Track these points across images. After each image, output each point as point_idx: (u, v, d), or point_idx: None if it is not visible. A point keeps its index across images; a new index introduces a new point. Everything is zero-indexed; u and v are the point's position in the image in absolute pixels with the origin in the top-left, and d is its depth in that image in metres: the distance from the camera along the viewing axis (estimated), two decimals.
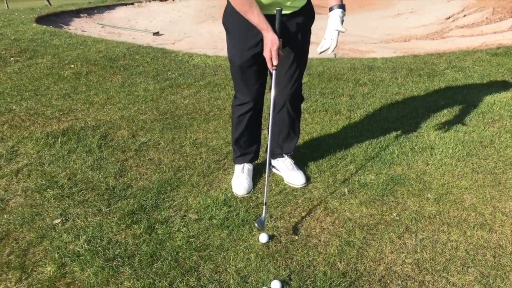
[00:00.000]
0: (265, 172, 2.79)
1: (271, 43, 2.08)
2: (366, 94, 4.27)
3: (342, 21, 2.15)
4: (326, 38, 2.16)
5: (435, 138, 3.19)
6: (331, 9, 2.17)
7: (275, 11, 2.15)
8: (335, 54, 7.83)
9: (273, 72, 2.20)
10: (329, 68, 5.22)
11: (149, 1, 17.66)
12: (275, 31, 2.11)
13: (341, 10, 2.15)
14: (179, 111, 3.90)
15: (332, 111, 3.81)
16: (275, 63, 2.13)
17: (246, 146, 2.68)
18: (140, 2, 17.19)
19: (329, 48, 2.16)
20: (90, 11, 13.76)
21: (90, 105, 4.05)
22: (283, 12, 2.17)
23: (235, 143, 2.69)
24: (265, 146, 2.89)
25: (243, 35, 2.23)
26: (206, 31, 12.52)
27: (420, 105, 3.89)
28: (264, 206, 2.25)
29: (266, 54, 2.13)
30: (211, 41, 10.11)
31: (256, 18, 2.07)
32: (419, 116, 3.63)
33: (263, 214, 2.23)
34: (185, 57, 6.06)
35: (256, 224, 2.18)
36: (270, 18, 2.13)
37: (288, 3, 2.17)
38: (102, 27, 12.11)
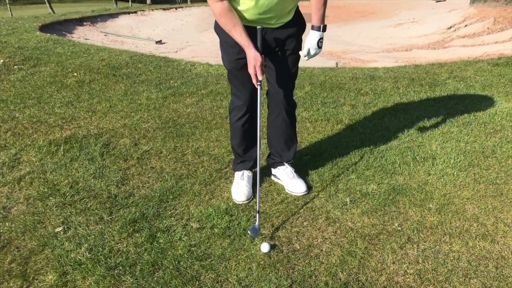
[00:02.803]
0: (264, 181, 2.80)
1: (254, 60, 2.16)
2: (367, 103, 4.28)
3: (320, 41, 2.30)
4: (308, 56, 2.35)
5: (436, 148, 3.19)
6: (312, 27, 2.31)
7: (260, 25, 2.25)
8: (336, 63, 7.86)
9: (258, 88, 2.27)
10: (331, 78, 5.24)
11: (152, 10, 17.81)
12: (257, 48, 2.20)
13: (318, 32, 2.28)
14: (181, 119, 3.91)
15: (333, 120, 3.82)
16: (259, 78, 2.21)
17: (245, 153, 2.70)
18: (143, 10, 17.33)
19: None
20: (93, 19, 13.87)
21: (93, 113, 4.07)
22: (270, 26, 2.27)
23: (234, 150, 2.74)
24: (266, 155, 2.91)
25: (231, 42, 2.27)
26: (209, 40, 12.60)
27: (421, 115, 3.90)
28: (257, 214, 2.28)
29: (250, 70, 2.21)
30: (213, 50, 10.17)
31: (239, 37, 2.16)
32: (421, 126, 3.63)
33: (257, 222, 2.25)
34: (188, 65, 6.10)
35: (249, 232, 2.19)
36: (254, 31, 2.24)
37: (273, 21, 2.25)
38: (105, 35, 12.19)
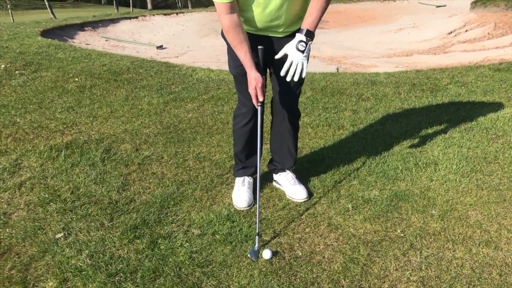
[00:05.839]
0: (266, 187, 2.79)
1: (255, 81, 2.14)
2: (369, 109, 4.27)
3: (300, 44, 2.09)
4: (287, 61, 2.14)
5: (438, 153, 3.18)
6: (298, 30, 2.16)
7: (268, 33, 2.24)
8: (337, 69, 7.86)
9: (259, 109, 2.25)
10: (332, 83, 5.23)
11: (153, 15, 17.87)
12: (259, 69, 2.17)
13: (300, 35, 2.11)
14: (182, 125, 3.91)
15: (335, 125, 3.82)
16: (260, 99, 2.19)
17: (246, 159, 2.69)
18: (144, 15, 17.38)
19: (294, 74, 2.14)
20: (94, 24, 13.92)
21: (94, 118, 4.06)
22: (278, 35, 2.26)
23: (236, 156, 2.72)
24: (268, 160, 2.90)
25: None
26: (210, 45, 12.63)
27: (423, 120, 3.89)
28: (256, 236, 2.19)
29: (251, 91, 2.19)
30: (214, 55, 10.19)
31: (243, 55, 2.13)
32: (423, 131, 3.62)
33: (256, 244, 2.17)
34: (189, 71, 6.10)
35: (248, 255, 2.12)
36: (262, 39, 2.24)
37: (281, 30, 2.24)
38: (106, 40, 12.22)
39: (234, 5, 2.04)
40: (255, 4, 2.09)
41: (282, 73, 2.15)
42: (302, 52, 2.10)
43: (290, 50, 2.12)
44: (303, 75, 2.15)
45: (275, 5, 2.09)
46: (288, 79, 2.16)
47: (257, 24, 2.18)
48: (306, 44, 2.11)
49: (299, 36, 2.11)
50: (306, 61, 2.13)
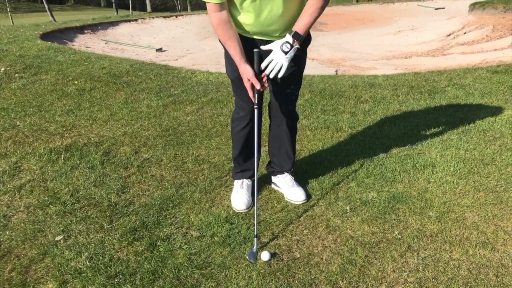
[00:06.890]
0: (264, 189, 2.81)
1: (246, 74, 2.16)
2: (367, 111, 4.29)
3: (285, 45, 2.09)
4: (269, 57, 2.16)
5: (436, 155, 3.19)
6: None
7: (264, 37, 2.25)
8: (336, 71, 7.88)
9: (256, 112, 2.27)
10: (331, 85, 5.26)
11: (153, 18, 17.91)
12: (252, 67, 2.18)
13: (289, 36, 2.11)
14: (181, 127, 3.92)
15: (333, 128, 3.83)
16: (257, 87, 2.18)
17: (245, 162, 2.71)
18: (144, 18, 17.42)
19: (271, 71, 2.15)
20: (94, 27, 13.95)
21: (93, 121, 4.08)
22: (274, 39, 2.24)
23: (235, 159, 2.74)
24: (266, 162, 2.91)
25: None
26: (209, 48, 12.66)
27: (421, 122, 3.91)
28: (255, 238, 2.21)
29: (246, 84, 2.21)
30: (213, 58, 10.21)
31: (233, 50, 2.16)
32: (420, 133, 3.64)
33: (255, 246, 2.19)
34: (188, 73, 6.12)
35: (247, 257, 2.13)
36: (259, 42, 2.24)
37: (277, 34, 2.25)
38: (105, 43, 12.25)
39: (224, 5, 2.09)
40: (251, 9, 2.12)
41: (262, 66, 2.18)
42: (285, 53, 2.11)
43: (275, 48, 2.14)
44: (280, 75, 2.16)
45: (270, 10, 2.11)
46: (266, 72, 2.18)
47: (254, 28, 2.20)
48: (292, 46, 2.11)
49: (287, 37, 2.13)
50: (287, 62, 2.14)
